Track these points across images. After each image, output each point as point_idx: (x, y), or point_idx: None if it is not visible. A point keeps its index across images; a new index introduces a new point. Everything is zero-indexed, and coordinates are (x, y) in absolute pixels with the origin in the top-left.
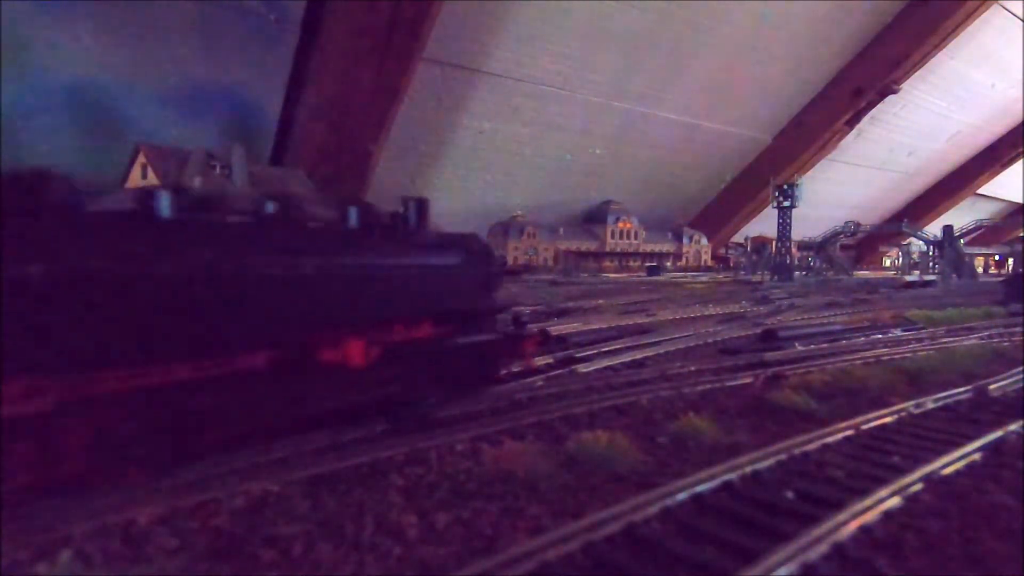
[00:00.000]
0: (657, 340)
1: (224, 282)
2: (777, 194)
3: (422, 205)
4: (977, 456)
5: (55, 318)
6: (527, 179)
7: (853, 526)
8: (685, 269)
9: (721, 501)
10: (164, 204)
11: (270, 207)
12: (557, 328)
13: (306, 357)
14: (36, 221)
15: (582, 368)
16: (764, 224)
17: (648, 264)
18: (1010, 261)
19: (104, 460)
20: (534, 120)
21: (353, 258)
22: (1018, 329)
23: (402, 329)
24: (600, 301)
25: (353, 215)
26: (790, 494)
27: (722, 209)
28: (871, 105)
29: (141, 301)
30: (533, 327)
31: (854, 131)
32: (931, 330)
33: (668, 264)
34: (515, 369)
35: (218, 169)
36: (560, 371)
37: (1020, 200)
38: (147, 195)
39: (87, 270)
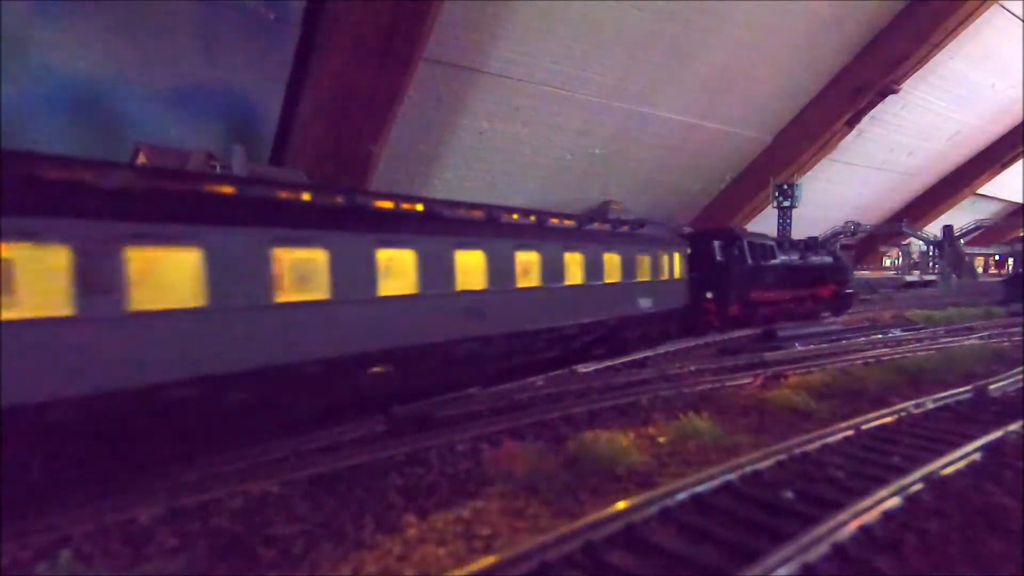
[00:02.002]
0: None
1: (798, 268)
2: (777, 194)
3: (816, 240)
4: (977, 456)
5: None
6: (527, 179)
7: (853, 526)
8: None
9: (721, 501)
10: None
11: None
12: None
13: (814, 295)
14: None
15: (581, 368)
16: (764, 224)
17: None
18: (1010, 261)
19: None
20: (534, 120)
21: (817, 259)
22: (1018, 329)
23: (829, 287)
24: None
25: (807, 244)
26: (790, 494)
27: (722, 209)
28: (871, 105)
29: (789, 272)
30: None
31: (854, 131)
32: (931, 330)
33: None
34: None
35: (218, 169)
36: (560, 371)
37: (1020, 200)
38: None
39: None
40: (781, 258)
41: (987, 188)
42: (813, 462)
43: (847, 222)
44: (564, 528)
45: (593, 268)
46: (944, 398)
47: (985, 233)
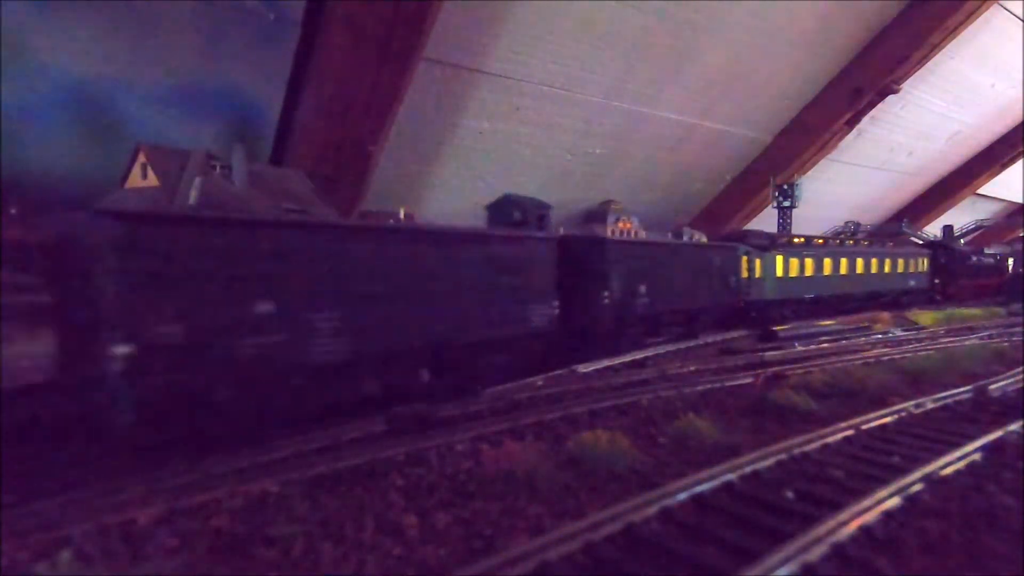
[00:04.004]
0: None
1: (979, 266)
2: (777, 194)
3: (954, 241)
4: (977, 456)
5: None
6: (527, 179)
7: (853, 526)
8: None
9: (721, 501)
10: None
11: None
12: None
13: (986, 283)
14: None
15: (582, 368)
16: (764, 224)
17: None
18: (1010, 261)
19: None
20: (534, 120)
21: (986, 260)
22: (1018, 329)
23: (994, 279)
24: None
25: (980, 248)
26: (790, 494)
27: (722, 209)
28: (871, 105)
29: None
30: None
31: (854, 131)
32: (931, 330)
33: None
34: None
35: (218, 169)
36: (560, 371)
37: (1020, 200)
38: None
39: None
40: (972, 260)
41: (987, 188)
42: (813, 462)
43: (847, 222)
44: (565, 528)
45: (893, 265)
46: (944, 398)
47: (985, 233)
